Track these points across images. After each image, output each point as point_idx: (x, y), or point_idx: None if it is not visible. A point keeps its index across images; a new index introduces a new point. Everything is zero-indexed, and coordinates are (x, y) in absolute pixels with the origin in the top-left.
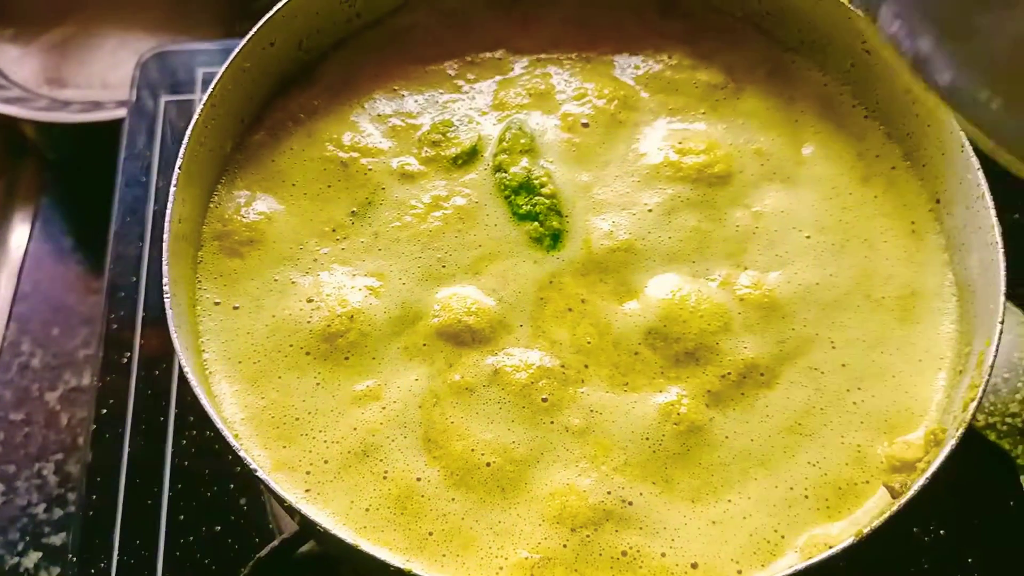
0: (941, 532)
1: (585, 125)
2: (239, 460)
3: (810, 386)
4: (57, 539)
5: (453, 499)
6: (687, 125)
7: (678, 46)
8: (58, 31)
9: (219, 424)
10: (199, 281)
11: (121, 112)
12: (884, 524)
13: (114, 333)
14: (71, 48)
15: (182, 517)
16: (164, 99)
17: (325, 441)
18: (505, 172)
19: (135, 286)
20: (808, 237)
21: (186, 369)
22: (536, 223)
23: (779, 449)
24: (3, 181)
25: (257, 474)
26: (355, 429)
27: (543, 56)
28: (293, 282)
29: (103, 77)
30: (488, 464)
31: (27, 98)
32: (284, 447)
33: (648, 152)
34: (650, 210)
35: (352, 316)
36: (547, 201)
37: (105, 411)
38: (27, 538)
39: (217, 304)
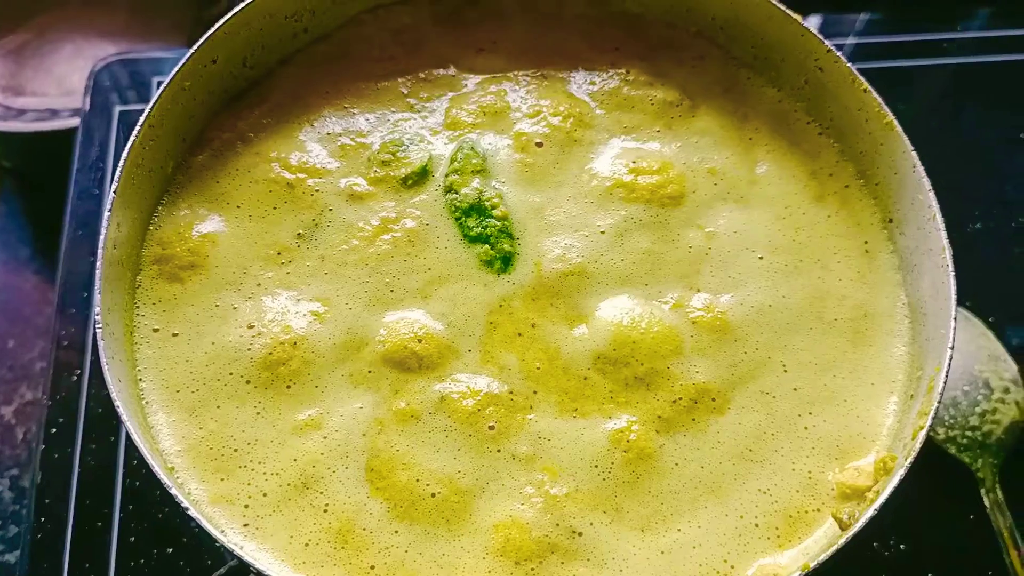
0: (901, 547)
1: (539, 145)
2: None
3: (761, 411)
4: (11, 557)
5: (396, 532)
6: (641, 144)
7: (635, 62)
8: (14, 37)
9: (150, 459)
10: (137, 307)
11: (77, 121)
12: (831, 557)
13: (64, 350)
14: (27, 54)
15: (133, 539)
16: (118, 108)
17: (264, 473)
18: (456, 193)
19: (86, 302)
20: (761, 258)
21: (117, 403)
22: (487, 246)
23: (730, 476)
24: None
25: (189, 512)
26: (295, 460)
27: (498, 73)
28: (235, 307)
29: (60, 84)
30: (433, 495)
31: None
32: (222, 480)
33: (602, 172)
34: (603, 232)
35: (296, 343)
36: (498, 223)
37: (55, 430)
38: None
39: (156, 331)
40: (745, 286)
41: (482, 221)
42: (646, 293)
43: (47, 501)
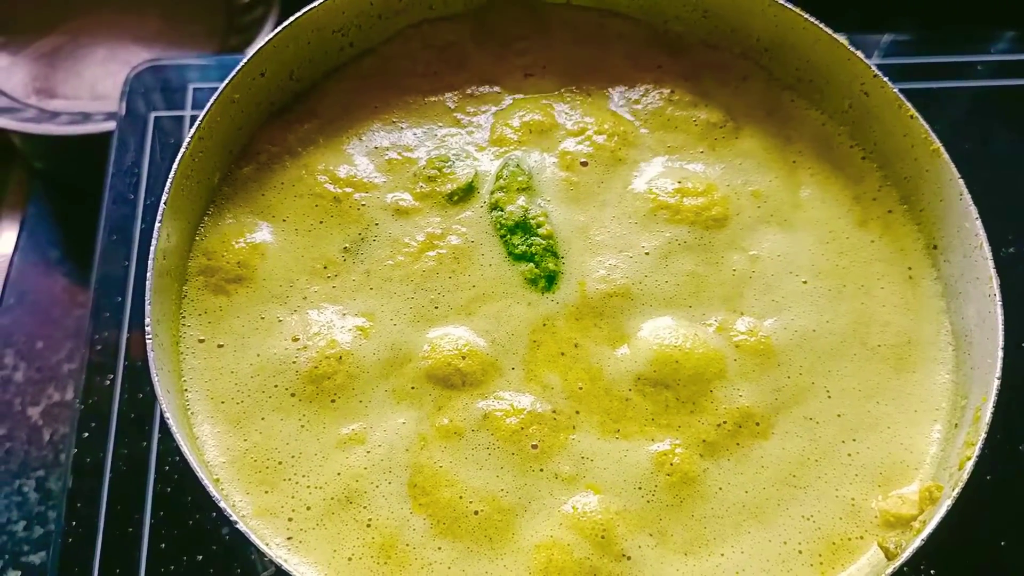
0: (932, 572)
1: (584, 164)
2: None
3: (805, 436)
4: (36, 558)
5: (439, 548)
6: (685, 164)
7: (679, 82)
8: (48, 40)
9: (199, 471)
10: (183, 317)
11: (109, 125)
12: None
13: (97, 355)
14: (61, 58)
15: (163, 545)
16: (154, 115)
17: (308, 487)
18: (501, 210)
19: (120, 306)
20: (805, 282)
21: (167, 414)
22: (532, 264)
23: (773, 501)
24: None
25: (237, 526)
26: (339, 474)
27: (543, 91)
28: (280, 320)
29: (92, 88)
30: (476, 512)
31: (15, 108)
32: (266, 492)
33: (646, 193)
34: (647, 253)
35: (341, 357)
36: (543, 242)
37: (87, 434)
38: (6, 556)
39: (201, 342)
40: (789, 310)
41: (527, 239)
42: (690, 315)
43: (79, 505)
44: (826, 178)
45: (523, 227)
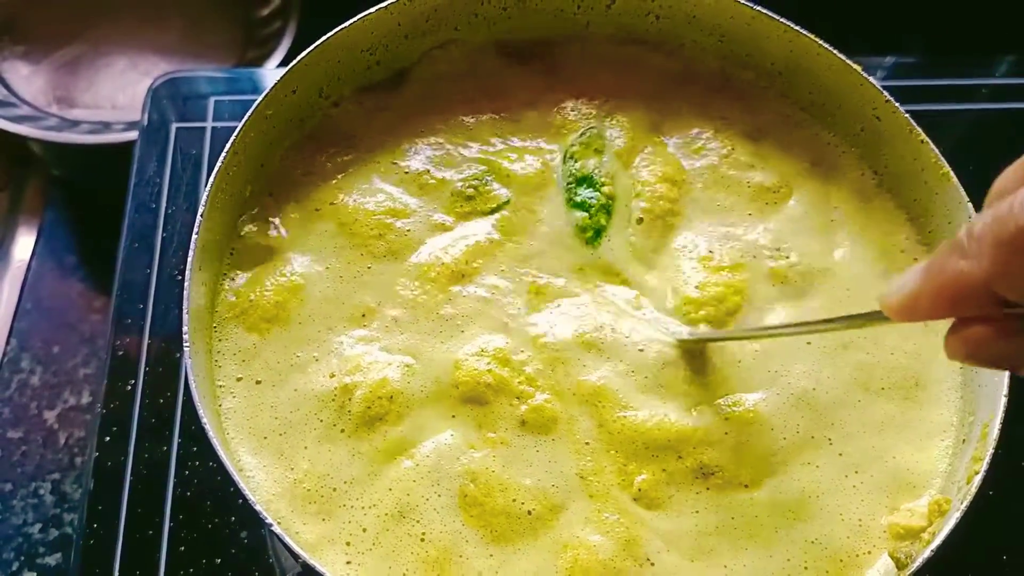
0: None
1: (640, 221)
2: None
3: (804, 479)
4: (52, 559)
5: (491, 555)
6: (728, 229)
7: (737, 140)
8: (69, 50)
9: (254, 501)
10: (217, 344)
11: (130, 135)
12: None
13: (119, 360)
14: (81, 67)
15: (182, 548)
16: (175, 125)
17: (363, 508)
18: (575, 161)
19: (142, 313)
20: (808, 343)
21: (221, 455)
22: (585, 214)
23: (769, 529)
24: (7, 193)
25: (311, 563)
26: (390, 489)
27: (580, 112)
28: (316, 359)
29: (112, 98)
30: (530, 512)
31: (36, 116)
32: (323, 520)
33: (687, 276)
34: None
35: (392, 397)
36: (603, 198)
37: (108, 439)
38: (22, 558)
39: (240, 380)
40: (786, 375)
41: (590, 191)
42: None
43: (99, 508)
44: (860, 229)
45: (589, 181)
